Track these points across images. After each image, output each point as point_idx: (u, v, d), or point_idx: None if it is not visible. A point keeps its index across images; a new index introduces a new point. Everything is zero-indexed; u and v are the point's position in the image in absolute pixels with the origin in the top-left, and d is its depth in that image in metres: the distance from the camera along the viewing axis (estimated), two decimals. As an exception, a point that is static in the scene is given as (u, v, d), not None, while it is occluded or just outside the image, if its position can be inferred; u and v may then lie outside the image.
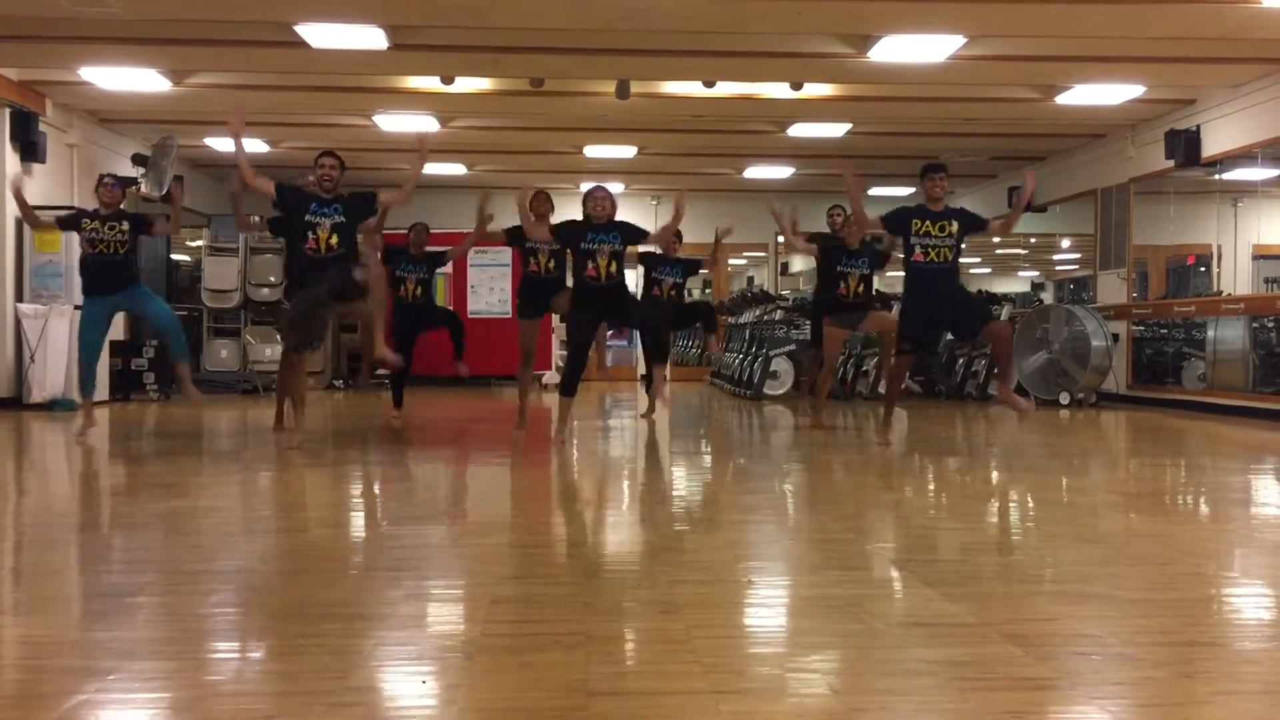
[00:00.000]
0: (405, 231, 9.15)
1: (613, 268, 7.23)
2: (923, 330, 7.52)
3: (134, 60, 9.92)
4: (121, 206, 7.98)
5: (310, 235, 6.94)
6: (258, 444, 8.12)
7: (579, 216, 7.44)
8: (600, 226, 7.25)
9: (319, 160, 7.14)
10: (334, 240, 6.95)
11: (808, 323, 13.30)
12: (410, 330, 9.03)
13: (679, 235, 9.20)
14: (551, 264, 8.36)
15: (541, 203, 8.35)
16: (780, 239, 18.29)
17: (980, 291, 14.46)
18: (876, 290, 9.99)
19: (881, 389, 10.47)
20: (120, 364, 11.98)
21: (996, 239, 17.71)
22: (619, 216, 7.47)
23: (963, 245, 7.37)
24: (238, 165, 7.16)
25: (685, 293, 9.91)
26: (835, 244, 8.69)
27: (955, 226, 7.23)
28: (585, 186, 16.89)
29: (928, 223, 7.22)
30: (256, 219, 8.44)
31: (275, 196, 7.11)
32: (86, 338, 7.84)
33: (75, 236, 8.01)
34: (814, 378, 9.48)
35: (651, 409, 9.77)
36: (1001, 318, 13.08)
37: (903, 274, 7.49)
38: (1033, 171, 8.01)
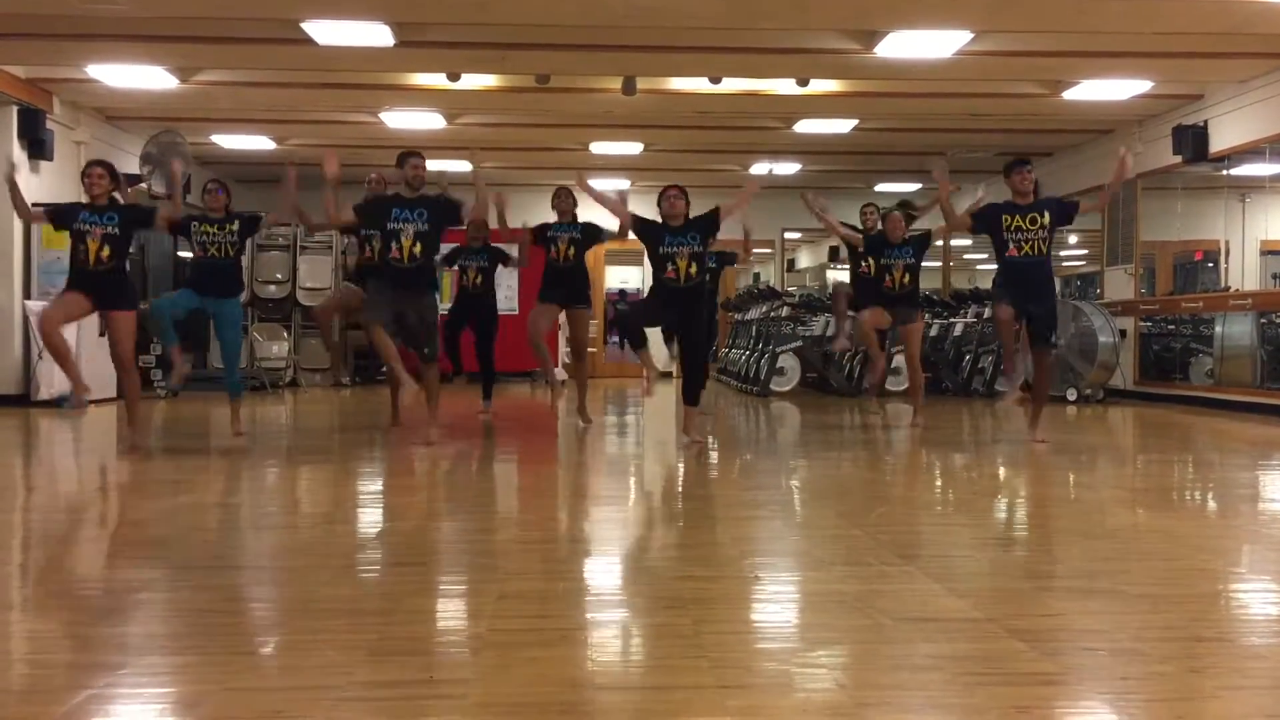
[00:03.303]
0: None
1: (693, 269, 7.13)
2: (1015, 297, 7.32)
3: (141, 57, 9.93)
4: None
5: (394, 244, 6.82)
6: (265, 440, 8.14)
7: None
8: (678, 228, 7.16)
9: (407, 159, 6.99)
10: (418, 249, 6.85)
11: (814, 319, 13.35)
12: (459, 321, 9.08)
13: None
14: (571, 251, 8.36)
15: (563, 199, 8.39)
16: (788, 236, 18.31)
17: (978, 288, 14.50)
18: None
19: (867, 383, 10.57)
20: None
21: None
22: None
23: (1054, 237, 7.33)
24: (326, 207, 7.09)
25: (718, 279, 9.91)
26: (877, 237, 8.70)
27: (1046, 218, 7.20)
28: (593, 184, 16.96)
29: (1018, 217, 7.19)
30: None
31: (359, 221, 7.09)
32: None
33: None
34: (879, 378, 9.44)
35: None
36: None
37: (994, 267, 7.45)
38: (1129, 152, 7.88)
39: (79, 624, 3.08)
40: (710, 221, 7.28)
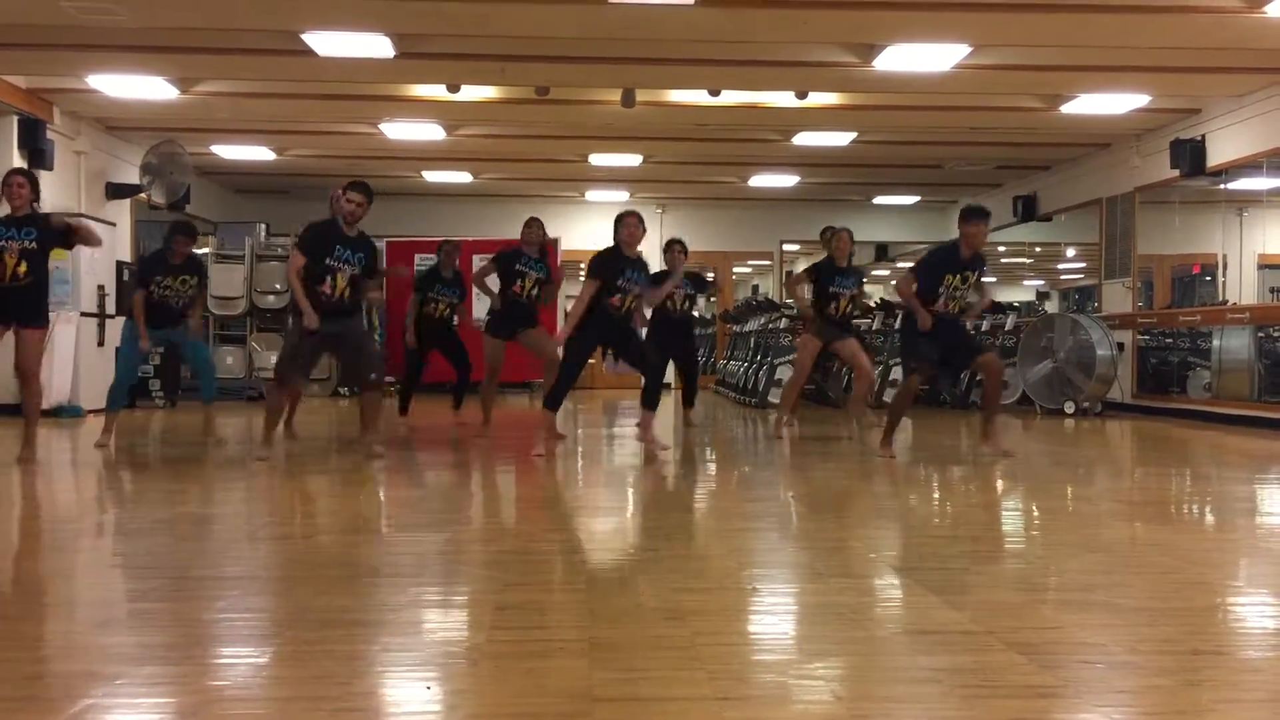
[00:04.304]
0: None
1: (629, 303, 7.19)
2: (929, 354, 7.37)
3: (141, 68, 9.96)
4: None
5: (329, 280, 6.74)
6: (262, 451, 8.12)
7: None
8: (634, 260, 7.19)
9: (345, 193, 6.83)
10: (348, 293, 6.79)
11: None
12: (424, 349, 9.18)
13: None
14: (535, 291, 8.43)
15: (534, 229, 8.44)
16: (785, 248, 18.34)
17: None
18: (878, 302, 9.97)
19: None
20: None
21: (1001, 247, 17.73)
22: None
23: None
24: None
25: (695, 304, 9.91)
26: (828, 264, 8.64)
27: (975, 276, 7.15)
28: (592, 195, 16.94)
29: (958, 277, 7.05)
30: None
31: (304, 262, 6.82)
32: None
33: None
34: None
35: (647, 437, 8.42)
36: (1006, 327, 13.12)
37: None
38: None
39: (75, 633, 3.08)
40: (647, 269, 7.42)
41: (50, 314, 7.04)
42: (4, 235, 6.55)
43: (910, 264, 8.47)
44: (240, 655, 2.83)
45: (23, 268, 6.56)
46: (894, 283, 8.56)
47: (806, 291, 8.85)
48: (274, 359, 14.30)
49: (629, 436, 9.16)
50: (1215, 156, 11.12)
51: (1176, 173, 11.51)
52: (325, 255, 6.76)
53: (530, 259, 8.43)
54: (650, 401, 7.38)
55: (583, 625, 3.02)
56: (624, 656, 2.76)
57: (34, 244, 6.59)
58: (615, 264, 7.15)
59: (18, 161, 10.58)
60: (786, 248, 18.44)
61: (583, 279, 7.47)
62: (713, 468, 7.55)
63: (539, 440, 7.36)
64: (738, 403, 13.66)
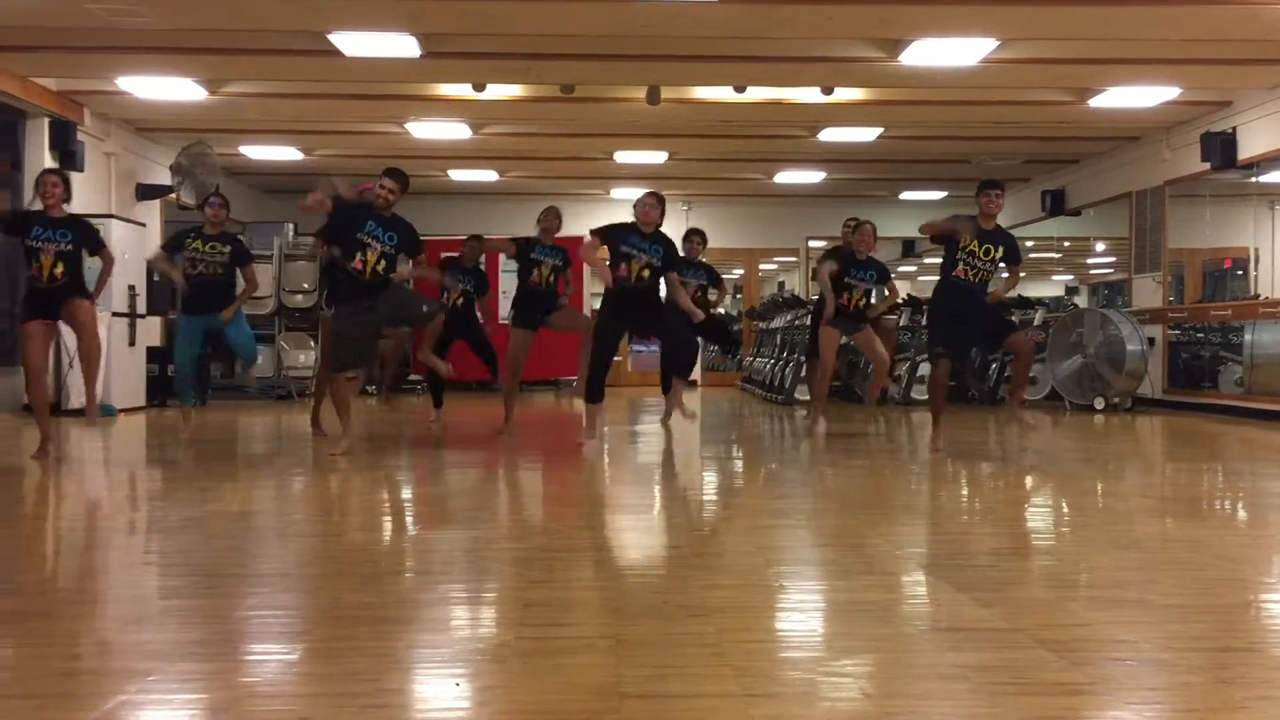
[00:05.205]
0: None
1: (645, 273, 7.27)
2: (953, 339, 7.45)
3: (170, 69, 10.04)
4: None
5: (359, 256, 6.80)
6: (292, 449, 8.19)
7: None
8: (646, 235, 7.30)
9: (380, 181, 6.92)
10: (381, 267, 6.84)
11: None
12: (447, 338, 9.12)
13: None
14: (553, 278, 8.47)
15: (550, 218, 8.46)
16: (811, 245, 18.28)
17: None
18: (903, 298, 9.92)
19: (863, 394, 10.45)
20: (156, 370, 12.09)
21: (1030, 242, 17.63)
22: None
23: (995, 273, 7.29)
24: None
25: (709, 295, 9.88)
26: (846, 254, 8.65)
27: (1000, 253, 7.16)
28: (617, 193, 16.96)
29: (975, 242, 7.12)
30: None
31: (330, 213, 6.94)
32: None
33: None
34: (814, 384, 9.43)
35: (668, 414, 9.58)
36: (1035, 322, 13.04)
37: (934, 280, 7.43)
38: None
39: (109, 630, 3.12)
40: (675, 251, 7.51)
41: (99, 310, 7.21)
42: (41, 236, 6.68)
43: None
44: (271, 652, 2.85)
45: (59, 269, 6.70)
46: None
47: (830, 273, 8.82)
48: (302, 358, 14.48)
49: (654, 433, 9.16)
50: (1246, 149, 11.01)
51: (1207, 166, 11.41)
52: (356, 229, 6.82)
53: (546, 247, 8.48)
54: (681, 369, 7.49)
55: (609, 622, 3.03)
56: (651, 653, 2.76)
57: (69, 245, 6.73)
58: (618, 229, 7.34)
59: (49, 163, 10.70)
60: (812, 244, 18.36)
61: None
62: (739, 464, 7.54)
63: (583, 432, 7.55)
64: (764, 399, 13.64)
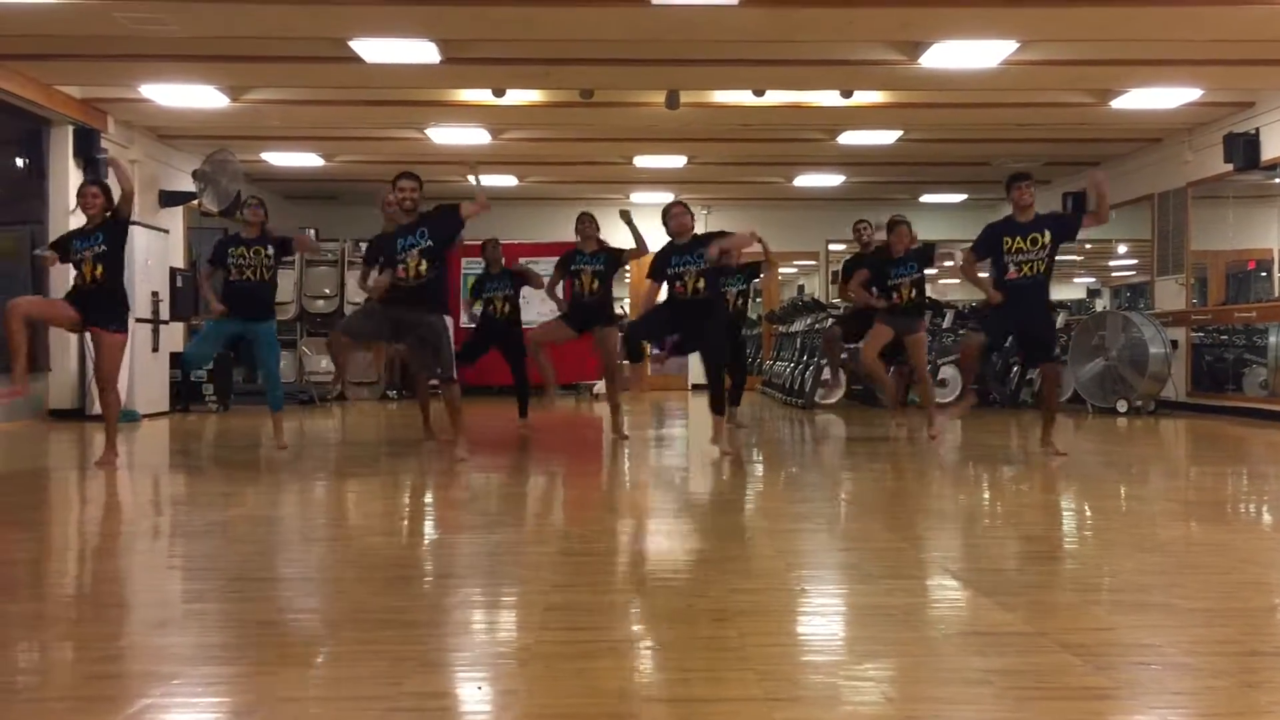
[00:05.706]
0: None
1: (700, 284, 7.23)
2: (993, 324, 7.40)
3: (193, 77, 10.11)
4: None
5: (401, 267, 6.79)
6: (313, 454, 8.23)
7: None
8: (684, 246, 7.28)
9: (396, 182, 6.90)
10: (423, 266, 6.80)
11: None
12: (483, 342, 9.00)
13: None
14: (595, 284, 8.44)
15: (587, 224, 8.45)
16: (831, 248, 18.25)
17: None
18: (929, 298, 9.85)
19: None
20: (179, 376, 12.17)
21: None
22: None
23: (1056, 256, 7.14)
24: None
25: (750, 300, 9.82)
26: (880, 258, 8.61)
27: (1047, 236, 7.05)
28: (637, 197, 16.95)
29: (1019, 238, 7.04)
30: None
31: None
32: None
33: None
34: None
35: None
36: (1057, 324, 12.96)
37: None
38: (1105, 176, 7.57)
39: (134, 634, 3.14)
40: (706, 240, 7.38)
41: (130, 321, 7.24)
42: (80, 249, 6.91)
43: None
44: (294, 655, 2.86)
45: (99, 270, 6.87)
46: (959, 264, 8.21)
47: (861, 287, 8.72)
48: (324, 363, 14.54)
49: (676, 438, 9.17)
50: (1270, 150, 10.93)
51: (1230, 167, 11.33)
52: (392, 250, 6.87)
53: (585, 255, 8.46)
54: (715, 407, 7.43)
55: (631, 626, 3.03)
56: (673, 657, 2.76)
57: (103, 246, 6.89)
58: (663, 259, 7.34)
59: (74, 170, 10.81)
60: (832, 248, 18.33)
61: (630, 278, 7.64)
62: (760, 468, 7.53)
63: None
64: (784, 403, 13.62)
